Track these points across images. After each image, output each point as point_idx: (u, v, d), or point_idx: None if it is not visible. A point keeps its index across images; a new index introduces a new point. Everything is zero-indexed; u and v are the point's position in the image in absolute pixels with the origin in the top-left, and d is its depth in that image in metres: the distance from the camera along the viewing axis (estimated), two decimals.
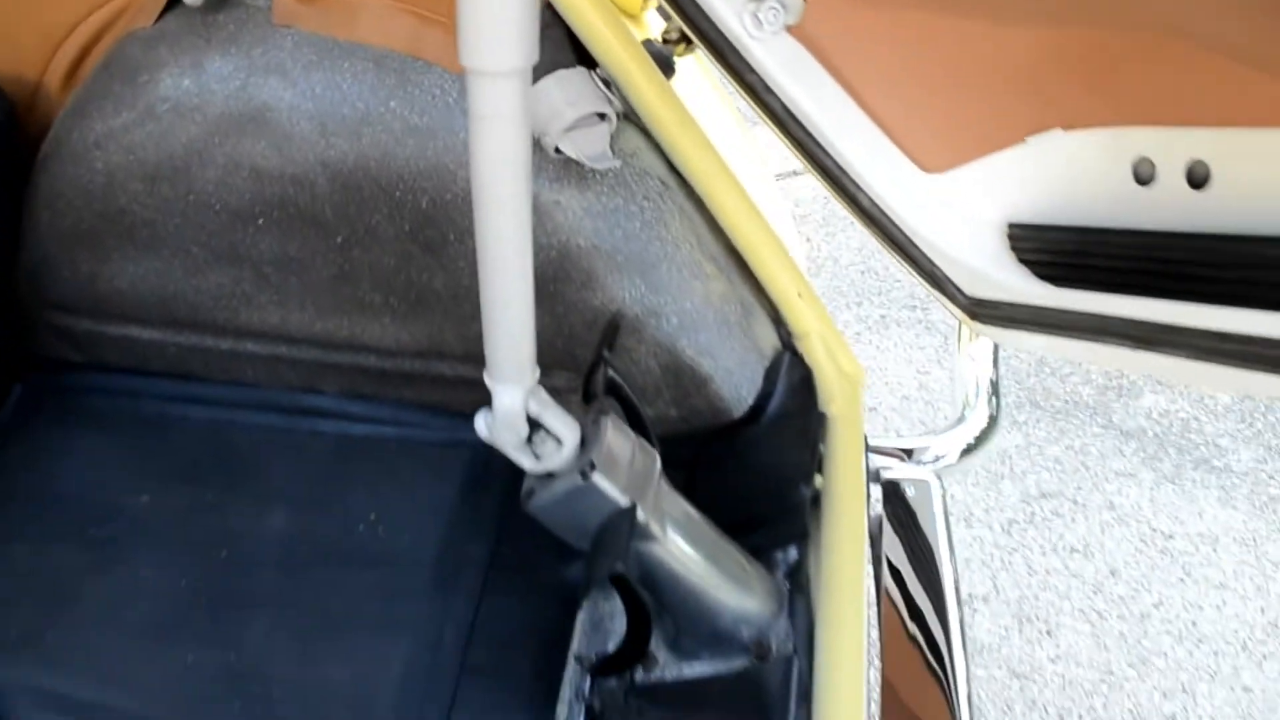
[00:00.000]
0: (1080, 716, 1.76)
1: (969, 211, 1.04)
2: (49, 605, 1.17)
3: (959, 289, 1.09)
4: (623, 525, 0.91)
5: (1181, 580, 1.95)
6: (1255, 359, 0.84)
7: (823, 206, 2.51)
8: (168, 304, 1.28)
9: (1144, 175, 0.90)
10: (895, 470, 1.27)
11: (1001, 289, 1.04)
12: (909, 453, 1.30)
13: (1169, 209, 0.88)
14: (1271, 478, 2.12)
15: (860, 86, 0.98)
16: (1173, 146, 0.87)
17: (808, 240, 2.54)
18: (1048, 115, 0.93)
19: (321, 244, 1.19)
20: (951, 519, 1.98)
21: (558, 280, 1.15)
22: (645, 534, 0.97)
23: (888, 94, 0.99)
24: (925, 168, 1.03)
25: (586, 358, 1.15)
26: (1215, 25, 0.73)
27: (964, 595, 1.93)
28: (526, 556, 1.22)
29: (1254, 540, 2.01)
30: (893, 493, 1.26)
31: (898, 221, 1.06)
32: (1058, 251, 1.00)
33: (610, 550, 0.92)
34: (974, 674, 1.82)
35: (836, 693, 0.98)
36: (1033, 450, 2.17)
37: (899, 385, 2.20)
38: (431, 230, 1.16)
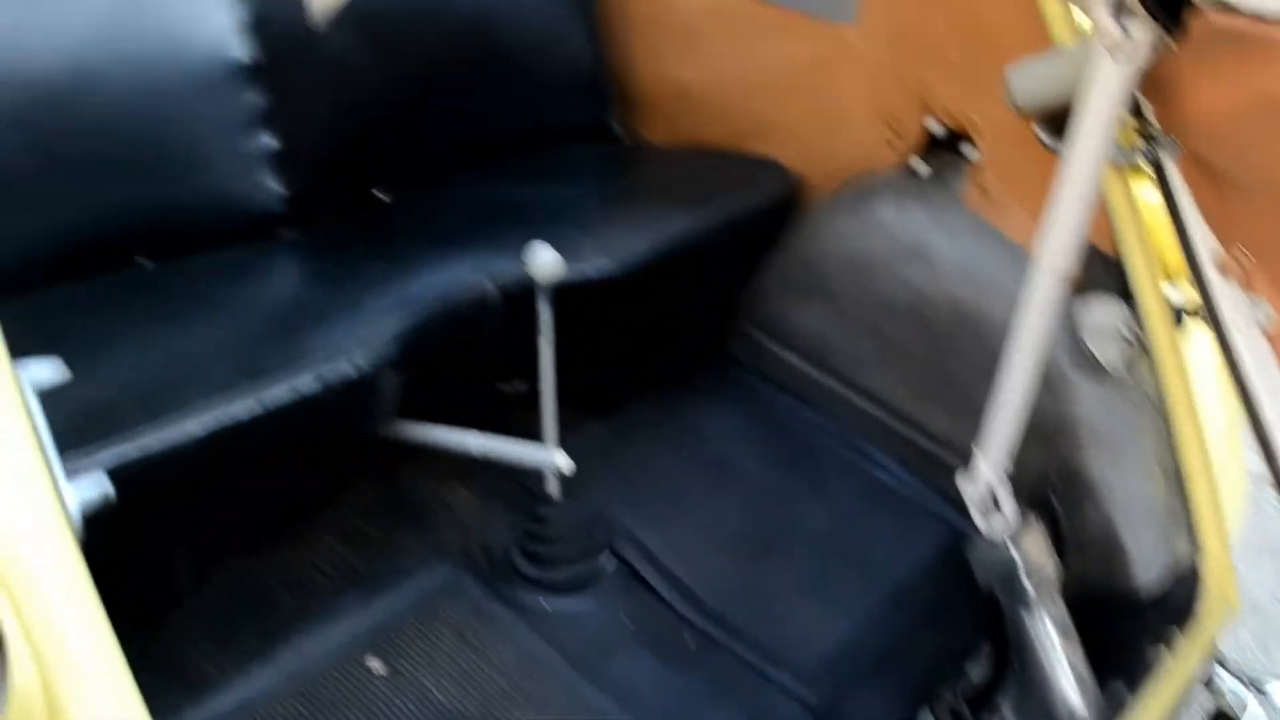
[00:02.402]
0: None
1: None
2: (668, 500, 1.85)
3: None
4: (1011, 573, 1.42)
5: None
6: None
7: None
8: (822, 348, 1.96)
9: None
10: (1235, 689, 1.61)
11: None
12: (1255, 683, 1.62)
13: None
14: None
15: None
16: None
17: None
18: None
19: (928, 346, 1.80)
20: None
21: (1055, 431, 1.63)
22: (1025, 601, 1.46)
23: None
24: None
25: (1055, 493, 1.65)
26: None
27: None
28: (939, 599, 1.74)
29: None
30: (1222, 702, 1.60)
31: None
32: None
33: (994, 580, 1.43)
34: None
35: None
36: None
37: None
38: (982, 354, 1.67)
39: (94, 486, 0.87)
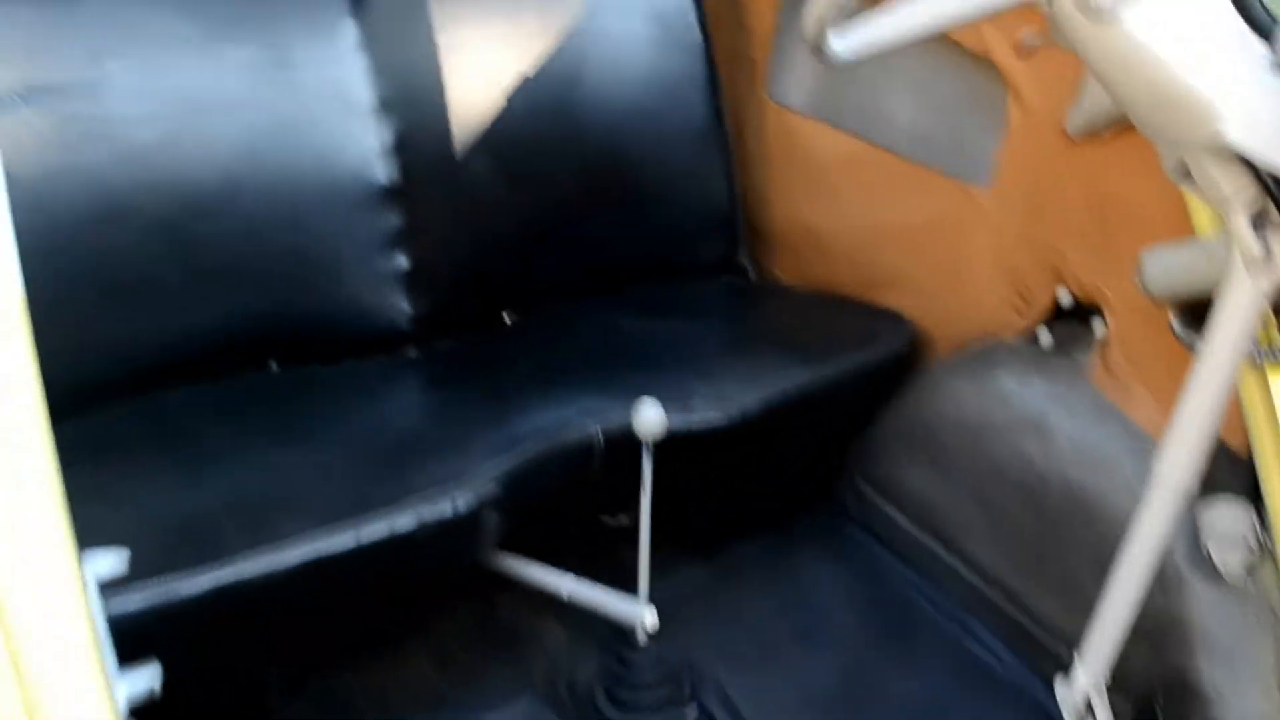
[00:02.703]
0: None
1: None
2: (760, 651, 1.83)
3: None
4: None
5: None
6: None
7: None
8: (929, 511, 1.92)
9: None
10: None
11: None
12: None
13: None
14: None
15: None
16: None
17: None
18: None
19: (1037, 524, 1.74)
20: None
21: (1165, 634, 1.56)
22: None
23: None
24: None
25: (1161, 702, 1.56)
26: None
27: None
28: None
29: None
30: None
31: None
32: None
33: None
34: None
35: None
36: None
37: None
38: (1094, 540, 1.62)
39: (143, 680, 0.90)
